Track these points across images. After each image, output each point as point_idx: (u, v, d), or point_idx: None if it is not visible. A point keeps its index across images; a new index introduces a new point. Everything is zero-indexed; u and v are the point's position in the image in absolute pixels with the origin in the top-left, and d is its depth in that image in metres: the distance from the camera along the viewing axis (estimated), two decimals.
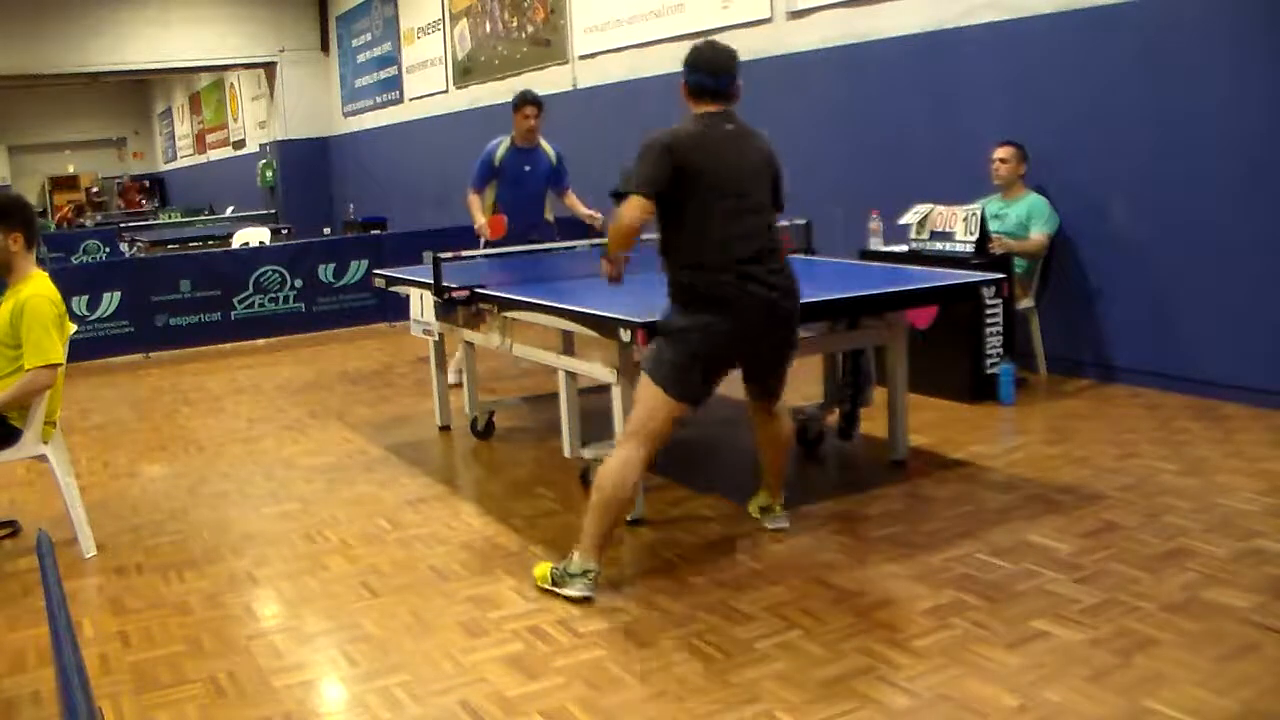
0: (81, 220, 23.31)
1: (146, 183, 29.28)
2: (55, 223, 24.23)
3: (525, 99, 6.85)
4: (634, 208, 3.53)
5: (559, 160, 6.97)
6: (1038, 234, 5.95)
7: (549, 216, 7.11)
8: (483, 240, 6.73)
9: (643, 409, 3.56)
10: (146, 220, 20.80)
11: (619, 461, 3.55)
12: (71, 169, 30.90)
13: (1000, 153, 6.07)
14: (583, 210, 6.99)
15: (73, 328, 4.36)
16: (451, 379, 6.23)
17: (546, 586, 3.55)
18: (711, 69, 3.64)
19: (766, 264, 3.57)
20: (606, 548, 3.56)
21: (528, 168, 6.84)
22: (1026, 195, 6.05)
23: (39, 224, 4.51)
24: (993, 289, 4.59)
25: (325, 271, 9.43)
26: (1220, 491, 4.16)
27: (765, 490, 4.13)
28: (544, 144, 6.95)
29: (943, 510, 4.17)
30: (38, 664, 3.31)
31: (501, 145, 6.84)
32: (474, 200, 6.82)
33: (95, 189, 29.57)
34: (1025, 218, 6.01)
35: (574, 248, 6.75)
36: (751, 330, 3.57)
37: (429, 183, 13.75)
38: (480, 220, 6.74)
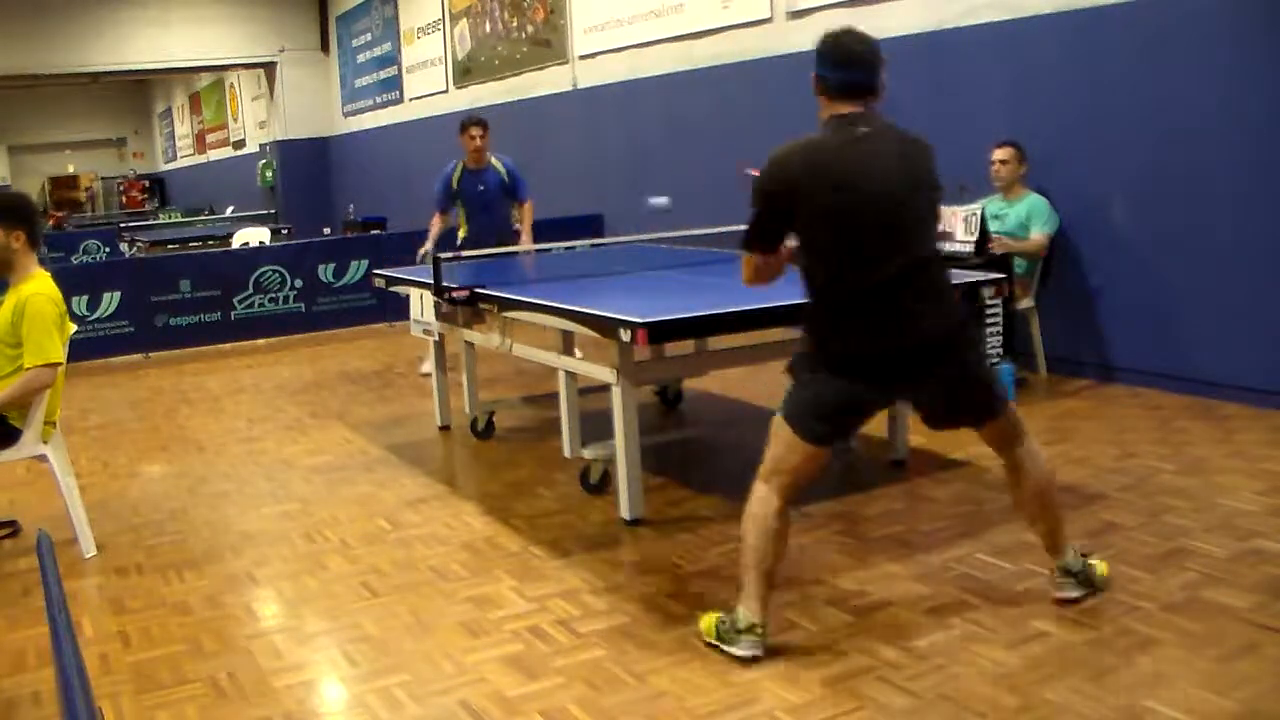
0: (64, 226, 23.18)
1: (146, 182, 29.28)
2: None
3: (469, 120, 7.08)
4: (748, 268, 3.17)
5: (510, 175, 7.11)
6: (1038, 234, 5.95)
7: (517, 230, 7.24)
8: (420, 253, 7.01)
9: (777, 447, 3.13)
10: (146, 220, 20.80)
11: (755, 505, 3.16)
12: (71, 169, 30.88)
13: (1000, 154, 6.07)
14: (525, 232, 7.12)
15: (73, 328, 4.36)
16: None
17: (711, 641, 3.15)
18: (848, 62, 3.12)
19: (913, 286, 3.03)
20: (768, 598, 3.13)
21: (481, 188, 7.05)
22: (1027, 195, 6.05)
23: (42, 223, 4.51)
24: (992, 289, 4.59)
25: (325, 271, 9.44)
26: (1220, 491, 4.16)
27: (1055, 554, 3.31)
28: (494, 161, 7.10)
29: (943, 510, 4.17)
30: (38, 664, 3.30)
31: (456, 169, 7.09)
32: (434, 222, 7.18)
33: (90, 188, 29.60)
34: (1025, 218, 6.00)
35: (574, 247, 6.76)
36: (895, 365, 3.05)
37: (429, 183, 13.71)
38: (426, 247, 6.99)
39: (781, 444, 3.11)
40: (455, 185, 7.06)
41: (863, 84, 3.09)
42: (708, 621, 3.20)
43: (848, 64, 3.11)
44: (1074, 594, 3.26)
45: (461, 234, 7.16)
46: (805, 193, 3.00)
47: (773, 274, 3.17)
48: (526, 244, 6.95)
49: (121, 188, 29.19)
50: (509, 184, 7.11)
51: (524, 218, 7.19)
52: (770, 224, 3.08)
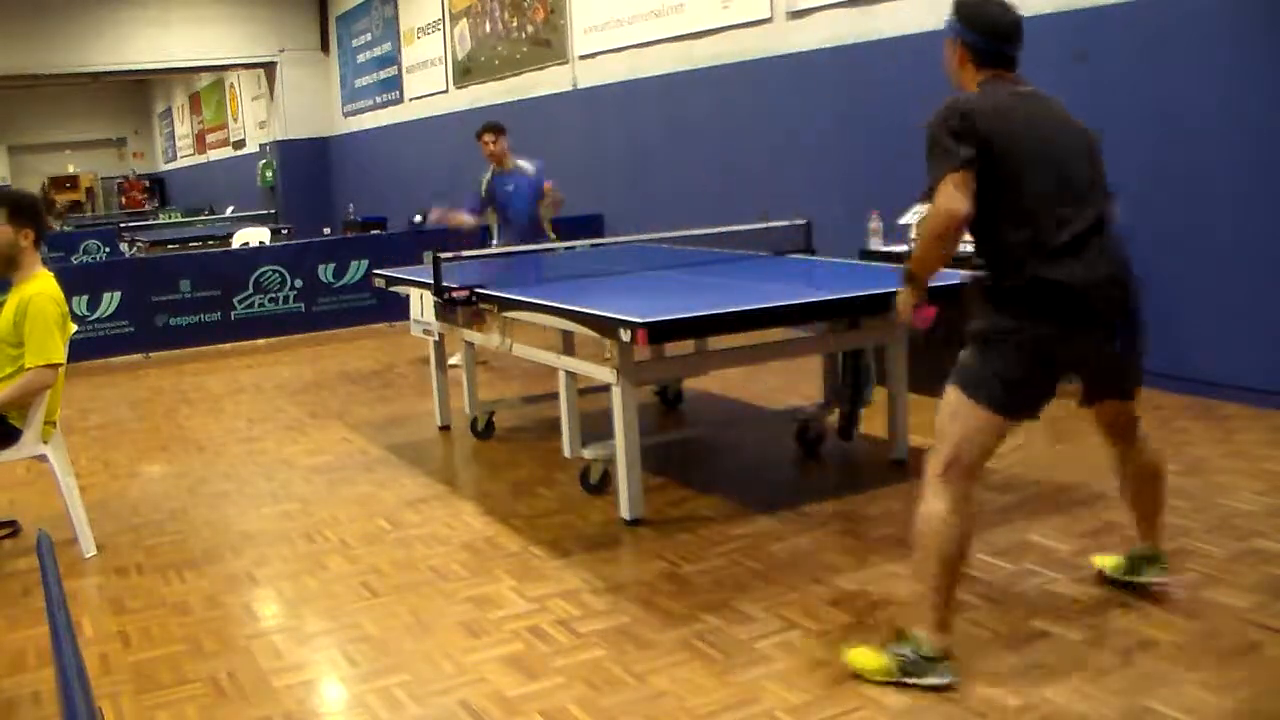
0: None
1: (147, 182, 29.28)
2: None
3: (485, 127, 7.32)
4: (951, 190, 2.83)
5: (539, 174, 7.25)
6: None
7: (549, 232, 7.37)
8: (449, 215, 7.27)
9: (958, 433, 2.92)
10: (146, 220, 20.79)
11: (935, 505, 2.88)
12: (71, 169, 30.90)
13: None
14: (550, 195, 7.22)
15: (73, 328, 4.36)
16: (453, 361, 6.37)
17: (891, 679, 2.85)
18: (997, 32, 3.09)
19: (1098, 244, 2.97)
20: (952, 616, 2.88)
21: (511, 187, 7.18)
22: None
23: (48, 221, 4.52)
24: None
25: (325, 271, 9.43)
26: (1220, 491, 4.16)
27: (1146, 538, 3.33)
28: (520, 164, 7.25)
29: None
30: (38, 664, 3.30)
31: (485, 175, 7.28)
32: (456, 214, 7.29)
33: (90, 188, 29.62)
34: None
35: (574, 247, 6.76)
36: (1090, 323, 2.92)
37: (429, 183, 13.73)
38: (462, 219, 7.21)
39: (966, 424, 2.90)
40: (485, 191, 7.25)
41: (1014, 56, 3.13)
42: (874, 660, 2.89)
43: (1006, 37, 3.12)
44: (1162, 579, 3.25)
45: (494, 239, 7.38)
46: (998, 128, 2.89)
47: (954, 236, 2.92)
48: (557, 198, 7.18)
49: (122, 186, 29.19)
50: (536, 178, 7.22)
51: (550, 196, 7.25)
52: (966, 144, 2.86)
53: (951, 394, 2.96)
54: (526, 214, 7.19)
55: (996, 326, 2.93)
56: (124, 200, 28.41)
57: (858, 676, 2.89)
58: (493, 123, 7.39)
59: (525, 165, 7.26)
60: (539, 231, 7.26)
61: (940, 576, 2.84)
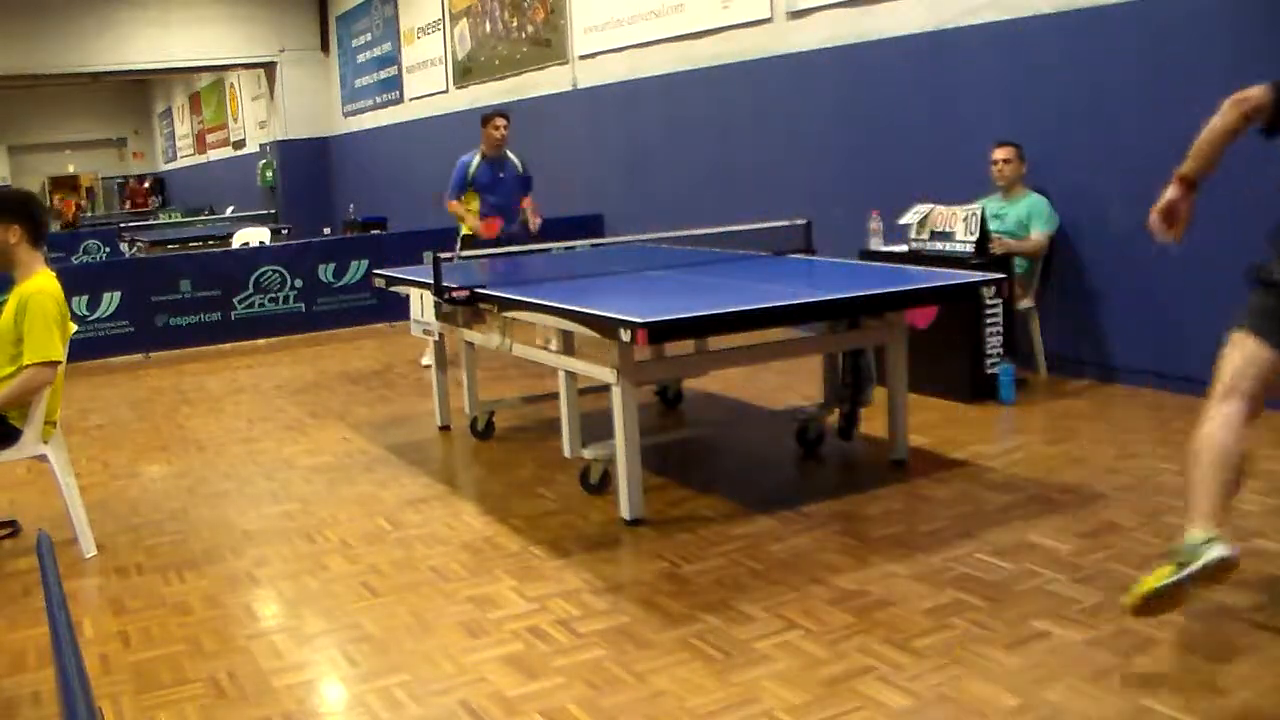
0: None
1: (149, 181, 29.26)
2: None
3: (496, 112, 7.63)
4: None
5: (525, 168, 7.67)
6: (1038, 233, 5.95)
7: (525, 220, 7.60)
8: (460, 243, 7.35)
9: (1234, 360, 3.10)
10: (147, 220, 20.79)
11: (1208, 425, 3.07)
12: (71, 169, 30.91)
13: (1001, 153, 6.07)
14: (533, 214, 7.56)
15: (73, 328, 4.35)
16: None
17: (1173, 577, 2.79)
18: None
19: None
20: (1224, 513, 2.94)
21: (501, 174, 7.52)
22: (1027, 195, 6.05)
23: (48, 219, 4.48)
24: (993, 289, 4.59)
25: (325, 271, 9.43)
26: None
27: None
28: (510, 154, 7.61)
29: (943, 510, 4.17)
30: (38, 664, 3.30)
31: (474, 158, 7.54)
32: (457, 205, 7.54)
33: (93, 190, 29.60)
34: (1025, 217, 6.01)
35: (574, 247, 6.76)
36: None
37: (429, 183, 13.71)
38: (474, 221, 7.43)
39: (1241, 356, 3.09)
40: (471, 174, 7.48)
41: None
42: (1154, 577, 2.83)
43: None
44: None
45: (469, 223, 7.46)
46: None
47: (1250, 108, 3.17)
48: (536, 220, 7.49)
49: (124, 186, 29.14)
50: (524, 175, 7.63)
51: (528, 206, 7.61)
52: None
53: (1233, 333, 3.15)
54: (512, 200, 7.54)
55: (1268, 268, 3.14)
56: (128, 202, 28.37)
57: (1149, 605, 2.83)
58: (503, 109, 7.79)
59: (514, 156, 7.63)
60: (517, 220, 7.54)
61: (1214, 479, 2.98)
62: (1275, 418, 5.06)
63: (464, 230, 7.48)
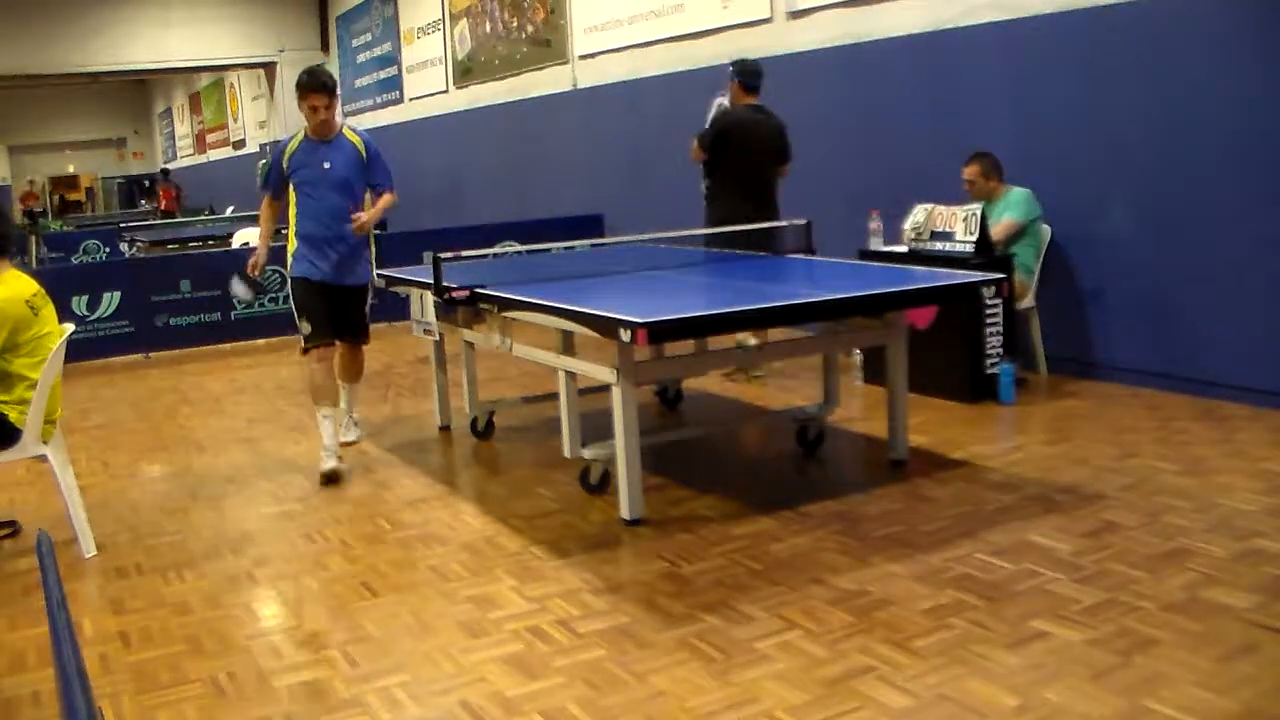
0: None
1: (176, 188, 29.07)
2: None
3: (311, 84, 5.11)
4: None
5: (369, 151, 5.27)
6: (1007, 219, 5.97)
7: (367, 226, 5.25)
8: (235, 281, 5.80)
9: None
10: (146, 220, 20.77)
11: None
12: (71, 169, 30.92)
13: (967, 173, 6.14)
14: (373, 210, 5.29)
15: (70, 327, 4.34)
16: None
17: None
18: None
19: None
20: None
21: (327, 164, 5.18)
22: (1008, 193, 6.09)
23: (13, 228, 4.42)
24: (993, 289, 4.59)
25: None
26: (1220, 491, 4.16)
27: None
28: (348, 133, 5.29)
29: (943, 510, 4.17)
30: (38, 664, 3.30)
31: (291, 141, 5.30)
32: (263, 211, 5.51)
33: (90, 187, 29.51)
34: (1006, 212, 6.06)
35: (574, 247, 6.75)
36: None
37: (429, 183, 13.75)
38: (259, 246, 5.52)
39: None
40: (287, 162, 5.24)
41: None
42: None
43: None
44: None
45: (290, 234, 5.37)
46: None
47: None
48: (366, 218, 5.15)
49: (147, 188, 28.68)
50: (368, 163, 5.27)
51: (378, 204, 5.34)
52: None
53: None
54: (340, 200, 5.21)
55: None
56: (159, 203, 27.75)
57: None
58: (323, 78, 5.15)
59: (354, 136, 5.30)
60: (346, 227, 5.20)
61: None
62: (1275, 417, 5.07)
63: (289, 233, 5.40)
